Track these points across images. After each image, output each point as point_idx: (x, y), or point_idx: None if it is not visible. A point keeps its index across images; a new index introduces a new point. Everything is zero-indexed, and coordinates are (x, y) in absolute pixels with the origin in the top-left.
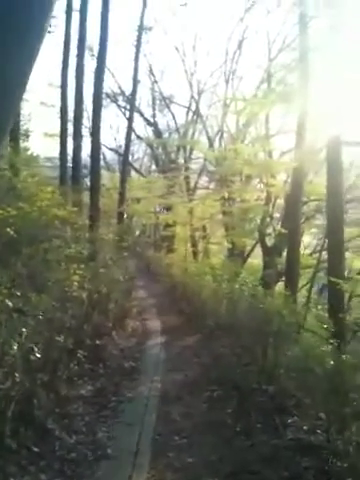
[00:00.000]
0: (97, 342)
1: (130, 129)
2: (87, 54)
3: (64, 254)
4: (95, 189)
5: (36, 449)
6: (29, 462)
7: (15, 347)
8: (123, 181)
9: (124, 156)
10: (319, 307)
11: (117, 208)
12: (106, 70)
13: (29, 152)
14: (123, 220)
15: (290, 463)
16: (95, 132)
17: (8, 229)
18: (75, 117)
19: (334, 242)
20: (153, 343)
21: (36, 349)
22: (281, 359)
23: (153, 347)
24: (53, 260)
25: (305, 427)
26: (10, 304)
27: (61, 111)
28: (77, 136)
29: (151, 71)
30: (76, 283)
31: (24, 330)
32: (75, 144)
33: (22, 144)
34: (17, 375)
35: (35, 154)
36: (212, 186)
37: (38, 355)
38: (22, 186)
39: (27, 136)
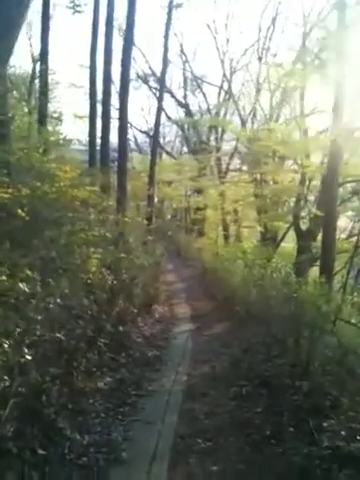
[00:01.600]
0: (120, 329)
1: (160, 109)
2: (116, 34)
3: (87, 237)
4: (122, 171)
5: (42, 451)
6: (31, 467)
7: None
8: (153, 163)
9: (154, 137)
10: (355, 294)
11: (147, 191)
12: (137, 51)
13: (62, 135)
14: (153, 203)
15: (326, 476)
16: (122, 111)
17: (20, 210)
18: (103, 98)
19: None
20: (180, 330)
21: (48, 337)
22: (316, 352)
23: (180, 335)
24: (75, 243)
25: (343, 432)
26: (25, 289)
27: (90, 92)
28: (105, 117)
29: (182, 51)
30: (99, 267)
31: (38, 317)
32: (103, 125)
33: (55, 127)
34: (17, 369)
35: (68, 137)
36: (244, 169)
37: (50, 344)
38: (41, 166)
39: (60, 120)
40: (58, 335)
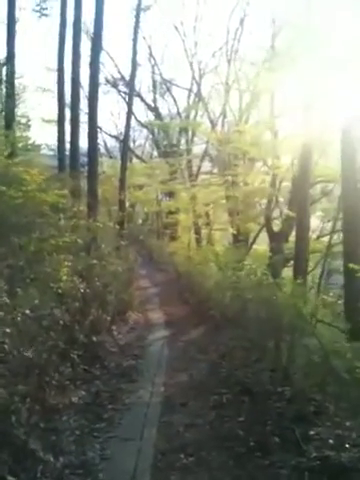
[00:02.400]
0: (94, 339)
1: (130, 113)
2: (85, 38)
3: (57, 244)
4: (92, 175)
5: (12, 479)
6: None
7: None
8: (123, 167)
9: (124, 141)
10: (331, 294)
11: (118, 196)
12: (106, 55)
13: (30, 141)
14: (124, 208)
15: None
16: (91, 115)
17: None
18: (72, 102)
19: (351, 226)
20: (155, 337)
21: (16, 353)
22: (296, 356)
23: (155, 342)
24: (45, 250)
25: (331, 441)
26: None
27: (58, 96)
28: (74, 121)
29: (151, 54)
30: (69, 275)
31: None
32: (72, 130)
33: (23, 133)
34: None
35: (36, 143)
36: (215, 171)
37: (20, 359)
38: (6, 170)
39: (28, 126)
40: (26, 354)
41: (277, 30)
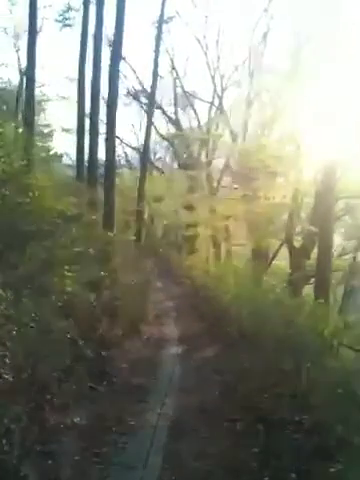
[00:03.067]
0: (103, 353)
1: (150, 123)
2: (106, 49)
3: (68, 253)
4: (109, 185)
5: None
6: None
7: None
8: (142, 178)
9: (143, 151)
10: (354, 317)
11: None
12: (128, 67)
13: (52, 151)
14: (142, 219)
15: None
16: (110, 125)
17: None
18: (91, 111)
19: None
20: (169, 354)
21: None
22: (317, 381)
23: (168, 359)
24: (56, 260)
25: None
26: None
27: (78, 106)
28: (93, 130)
29: (173, 67)
30: (74, 286)
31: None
32: (91, 139)
33: (46, 143)
34: None
35: (58, 153)
36: (235, 186)
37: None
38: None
39: (51, 136)
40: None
41: (301, 43)
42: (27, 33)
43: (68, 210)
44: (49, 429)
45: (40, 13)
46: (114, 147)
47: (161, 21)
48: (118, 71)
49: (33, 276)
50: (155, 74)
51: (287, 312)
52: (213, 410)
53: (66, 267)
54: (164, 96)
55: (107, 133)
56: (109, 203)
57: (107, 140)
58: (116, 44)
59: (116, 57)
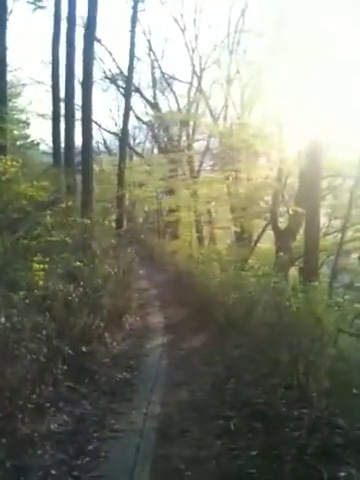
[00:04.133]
0: (83, 349)
1: (128, 107)
2: (80, 29)
3: (39, 243)
4: (87, 170)
5: None
6: None
7: None
8: (121, 162)
9: (122, 135)
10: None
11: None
12: (104, 51)
13: (29, 139)
14: (123, 205)
15: None
16: (85, 107)
17: None
18: (66, 95)
19: None
20: (154, 345)
21: None
22: (315, 371)
23: (153, 350)
24: (30, 250)
25: None
26: None
27: (53, 90)
28: (69, 115)
29: (150, 49)
30: (44, 279)
31: None
32: (67, 124)
33: (22, 131)
34: None
35: (36, 141)
36: (217, 168)
37: None
38: None
39: (27, 123)
40: None
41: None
42: None
43: (40, 196)
44: (21, 440)
45: None
46: (90, 130)
47: (136, 0)
48: (93, 51)
49: (1, 269)
50: (132, 55)
51: (277, 296)
52: (204, 407)
53: (39, 257)
54: (142, 79)
55: (83, 116)
56: (87, 189)
57: (83, 123)
58: (90, 22)
59: (90, 35)
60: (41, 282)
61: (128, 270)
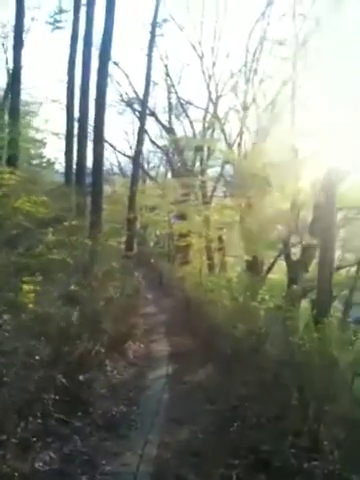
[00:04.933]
0: (80, 378)
1: (142, 127)
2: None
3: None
4: (97, 190)
5: None
6: None
7: None
8: (133, 184)
9: (135, 156)
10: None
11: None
12: (121, 74)
13: (45, 158)
14: (133, 227)
15: None
16: (97, 126)
17: None
18: (80, 114)
19: None
20: (156, 375)
21: None
22: (328, 418)
23: (155, 382)
24: (28, 269)
25: None
26: None
27: (67, 109)
28: (82, 134)
29: (167, 74)
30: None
31: None
32: (79, 143)
33: (38, 150)
34: None
35: (52, 160)
36: (229, 196)
37: None
38: None
39: (43, 143)
40: None
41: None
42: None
43: (39, 212)
44: None
45: (29, 13)
46: (102, 149)
47: (154, 24)
48: (107, 70)
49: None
50: (148, 79)
51: (289, 331)
52: (204, 450)
53: (31, 277)
54: (158, 104)
55: (95, 134)
56: (96, 209)
57: (95, 141)
58: (106, 41)
59: (105, 54)
60: (31, 305)
61: (134, 294)
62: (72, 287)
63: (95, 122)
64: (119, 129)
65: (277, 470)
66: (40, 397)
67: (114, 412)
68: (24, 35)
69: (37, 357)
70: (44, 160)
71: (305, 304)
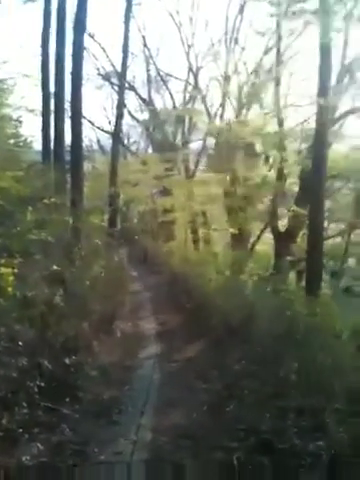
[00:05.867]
0: (66, 361)
1: (121, 101)
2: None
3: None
4: (76, 166)
5: None
6: None
7: None
8: (114, 160)
9: (114, 131)
10: None
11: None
12: (98, 48)
13: (22, 139)
14: (115, 204)
15: None
16: (75, 101)
17: None
18: (56, 88)
19: None
20: (146, 355)
21: None
22: (334, 393)
23: (145, 362)
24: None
25: None
26: None
27: (42, 83)
28: (59, 110)
29: (145, 45)
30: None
31: None
32: (56, 119)
33: (14, 130)
34: None
35: (29, 139)
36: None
37: None
38: None
39: (20, 121)
40: None
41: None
42: None
43: (15, 189)
44: None
45: None
46: (80, 123)
47: None
48: (82, 41)
49: None
50: (125, 50)
51: (285, 304)
52: (200, 433)
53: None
54: (137, 77)
55: (72, 109)
56: (76, 186)
57: (72, 117)
58: (80, 9)
59: (80, 25)
60: (10, 288)
61: (119, 272)
62: (54, 267)
63: (72, 95)
64: (97, 105)
65: (280, 452)
66: (25, 384)
67: (104, 395)
68: None
69: (20, 342)
70: (21, 139)
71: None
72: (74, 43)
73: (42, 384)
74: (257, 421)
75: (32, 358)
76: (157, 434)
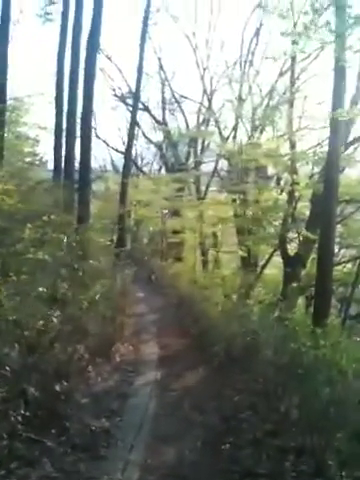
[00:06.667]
0: (56, 388)
1: (134, 121)
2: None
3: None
4: (84, 184)
5: None
6: None
7: None
8: (125, 179)
9: (126, 150)
10: None
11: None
12: (115, 69)
13: (38, 157)
14: (124, 224)
15: None
16: (85, 119)
17: None
18: (69, 107)
19: None
20: (143, 381)
21: None
22: (336, 439)
23: (142, 389)
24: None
25: None
26: None
27: (56, 102)
28: (70, 127)
29: (161, 67)
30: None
31: None
32: (68, 137)
33: (31, 149)
34: None
35: (45, 159)
36: (224, 190)
37: None
38: None
39: (37, 141)
40: None
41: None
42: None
43: (12, 206)
44: None
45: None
46: (90, 142)
47: (147, 13)
48: (95, 59)
49: None
50: (140, 71)
51: (291, 334)
52: (193, 474)
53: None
54: (151, 98)
55: (82, 127)
56: (83, 204)
57: (82, 134)
58: (94, 28)
59: (93, 42)
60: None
61: (123, 293)
62: (52, 287)
63: (82, 113)
64: (112, 125)
65: None
66: (7, 413)
67: (93, 426)
68: (12, 27)
69: (7, 367)
70: (37, 158)
71: (301, 301)
72: (87, 59)
73: (27, 413)
74: (253, 462)
75: (18, 385)
76: (145, 473)
